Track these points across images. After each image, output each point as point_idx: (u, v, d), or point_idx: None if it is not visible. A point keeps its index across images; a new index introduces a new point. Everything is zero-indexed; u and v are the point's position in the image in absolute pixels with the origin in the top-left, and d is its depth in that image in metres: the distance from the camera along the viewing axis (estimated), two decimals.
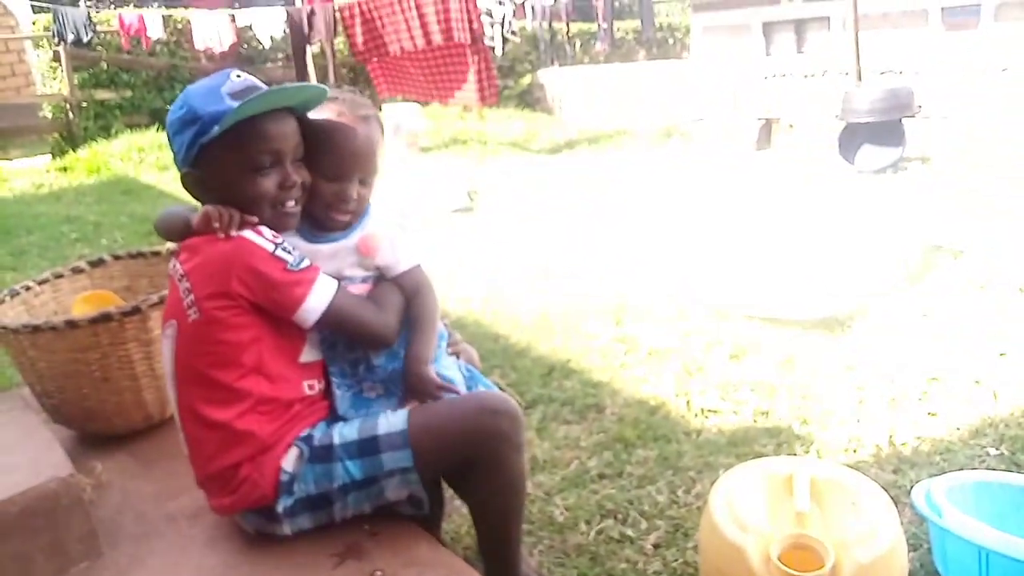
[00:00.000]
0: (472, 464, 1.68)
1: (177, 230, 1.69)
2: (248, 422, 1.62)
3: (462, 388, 1.80)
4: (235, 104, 1.54)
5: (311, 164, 1.68)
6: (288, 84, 1.69)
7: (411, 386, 1.73)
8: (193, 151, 1.58)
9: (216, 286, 1.57)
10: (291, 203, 1.66)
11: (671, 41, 16.32)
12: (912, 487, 2.10)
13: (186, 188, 1.67)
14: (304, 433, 1.68)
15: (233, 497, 1.66)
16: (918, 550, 2.02)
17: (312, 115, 1.69)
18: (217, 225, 1.57)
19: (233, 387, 1.61)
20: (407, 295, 1.77)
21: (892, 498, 1.72)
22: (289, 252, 1.61)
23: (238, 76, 1.62)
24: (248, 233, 1.59)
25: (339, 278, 1.70)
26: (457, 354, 1.92)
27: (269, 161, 1.61)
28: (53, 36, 9.48)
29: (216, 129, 1.53)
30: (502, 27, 9.69)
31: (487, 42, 8.83)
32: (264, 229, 1.61)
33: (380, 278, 1.78)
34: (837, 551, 1.45)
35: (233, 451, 1.63)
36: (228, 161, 1.59)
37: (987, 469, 2.34)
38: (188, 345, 1.63)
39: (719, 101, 9.17)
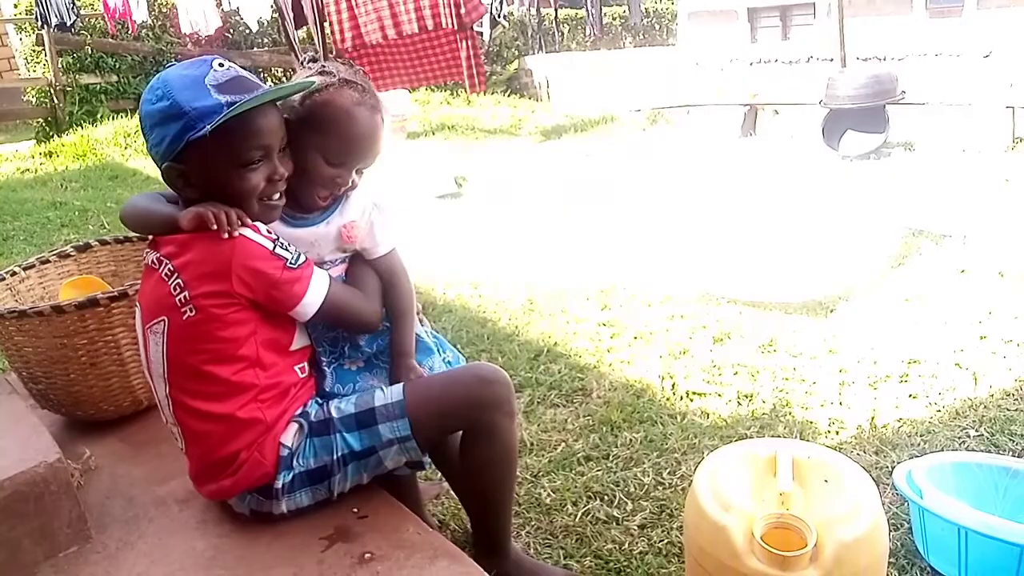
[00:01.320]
0: (467, 432, 1.75)
1: (158, 225, 1.65)
2: (252, 410, 1.63)
3: (437, 357, 1.87)
4: (223, 99, 1.51)
5: (315, 143, 1.66)
6: (284, 84, 1.65)
7: (398, 375, 1.77)
8: (178, 146, 1.53)
9: (215, 284, 1.56)
10: (277, 196, 1.65)
11: (657, 27, 16.29)
12: (894, 468, 2.14)
13: (167, 182, 1.63)
14: (300, 410, 1.71)
15: (234, 478, 1.67)
16: (899, 530, 2.05)
17: (330, 96, 1.66)
18: (216, 227, 1.53)
19: (232, 381, 1.61)
20: (383, 279, 1.80)
21: (874, 479, 1.75)
22: (287, 249, 1.61)
23: (221, 65, 1.56)
24: (247, 231, 1.57)
25: (320, 262, 1.73)
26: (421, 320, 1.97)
27: (258, 156, 1.59)
28: (36, 19, 9.37)
29: (207, 128, 1.48)
30: (491, 12, 9.64)
31: (475, 27, 8.78)
32: (260, 225, 1.60)
33: (355, 257, 1.81)
34: (819, 530, 1.47)
35: (239, 438, 1.64)
36: (217, 157, 1.56)
37: (967, 450, 2.38)
38: (183, 342, 1.61)
39: (705, 87, 9.16)
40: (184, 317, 1.58)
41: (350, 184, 1.73)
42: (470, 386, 1.75)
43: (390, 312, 1.81)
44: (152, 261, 1.65)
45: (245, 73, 1.61)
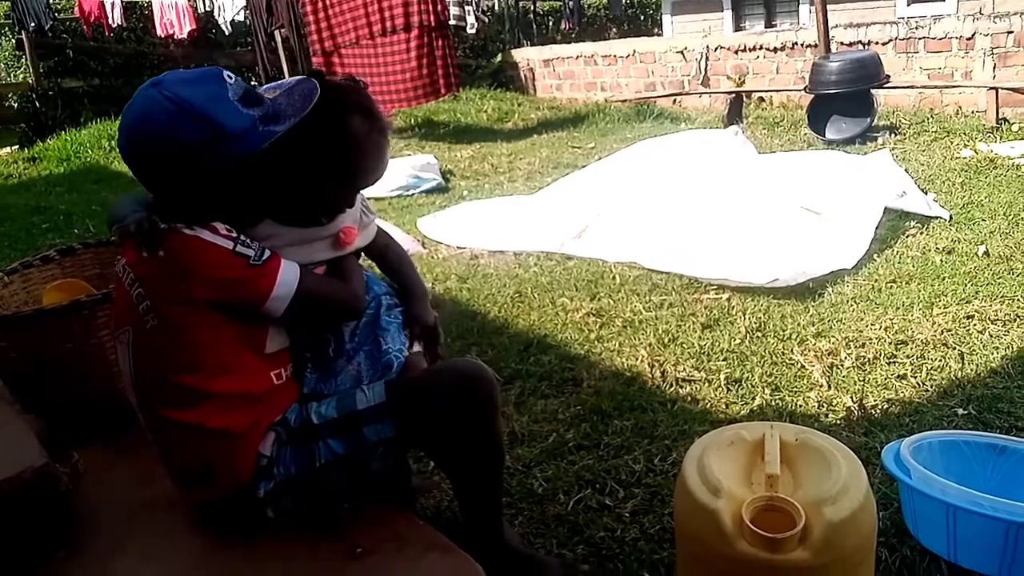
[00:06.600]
0: (453, 430, 1.70)
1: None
2: (220, 420, 1.60)
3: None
4: (258, 123, 1.52)
5: (332, 171, 1.67)
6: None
7: (420, 314, 1.89)
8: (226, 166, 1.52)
9: (176, 291, 1.54)
10: None
11: (642, 17, 16.27)
12: (882, 448, 2.14)
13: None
14: (279, 418, 1.67)
15: (210, 488, 1.65)
16: (888, 509, 2.06)
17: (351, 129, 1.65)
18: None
19: (200, 390, 1.58)
20: (379, 246, 1.95)
21: (863, 459, 1.75)
22: (249, 246, 1.57)
23: (230, 77, 1.55)
24: (204, 232, 1.53)
25: (309, 262, 1.70)
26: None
27: None
28: (13, 24, 9.32)
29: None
30: (474, 7, 9.60)
31: (456, 22, 8.76)
32: (219, 225, 1.56)
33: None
34: (808, 512, 1.48)
35: (208, 447, 1.61)
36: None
37: (955, 428, 2.39)
38: (147, 352, 1.59)
39: (690, 76, 9.17)
40: (147, 326, 1.57)
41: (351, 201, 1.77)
42: (452, 382, 1.71)
43: (394, 264, 1.96)
44: (119, 269, 1.64)
45: (234, 78, 1.58)
